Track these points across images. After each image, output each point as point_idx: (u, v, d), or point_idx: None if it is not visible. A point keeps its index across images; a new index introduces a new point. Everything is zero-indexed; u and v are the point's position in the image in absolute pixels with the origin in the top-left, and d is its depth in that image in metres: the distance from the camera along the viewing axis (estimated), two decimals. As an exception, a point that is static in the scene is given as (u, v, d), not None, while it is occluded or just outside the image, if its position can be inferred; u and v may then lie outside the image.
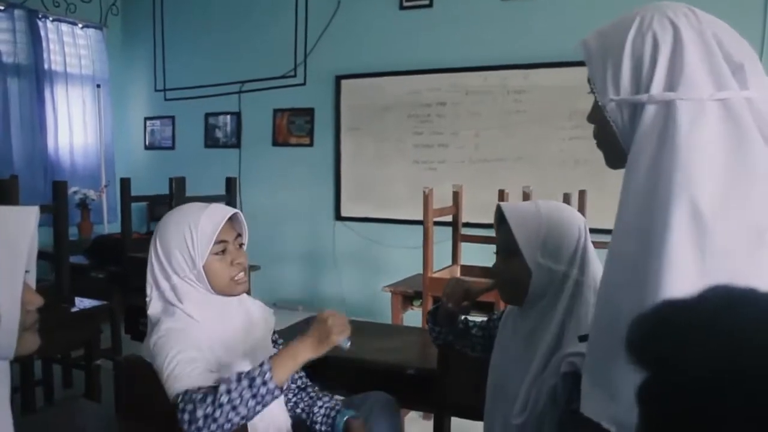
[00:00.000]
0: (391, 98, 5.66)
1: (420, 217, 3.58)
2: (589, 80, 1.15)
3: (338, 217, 5.99)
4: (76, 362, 3.64)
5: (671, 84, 1.03)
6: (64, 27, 6.18)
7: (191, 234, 1.70)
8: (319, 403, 1.94)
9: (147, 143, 6.88)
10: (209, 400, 1.47)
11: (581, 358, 1.48)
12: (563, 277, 1.58)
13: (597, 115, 1.16)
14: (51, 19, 6.05)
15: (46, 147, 5.95)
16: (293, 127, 6.15)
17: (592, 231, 4.18)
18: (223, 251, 1.74)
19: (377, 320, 4.79)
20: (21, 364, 3.38)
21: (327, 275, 6.06)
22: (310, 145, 6.09)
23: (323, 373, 2.44)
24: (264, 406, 1.49)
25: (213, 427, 1.45)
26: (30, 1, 5.83)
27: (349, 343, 1.62)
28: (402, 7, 5.58)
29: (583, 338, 1.25)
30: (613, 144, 1.13)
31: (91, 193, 5.23)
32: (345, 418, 1.87)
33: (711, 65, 1.03)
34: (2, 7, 5.67)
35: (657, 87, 1.04)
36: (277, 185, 6.21)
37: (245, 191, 6.20)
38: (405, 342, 2.52)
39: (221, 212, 1.74)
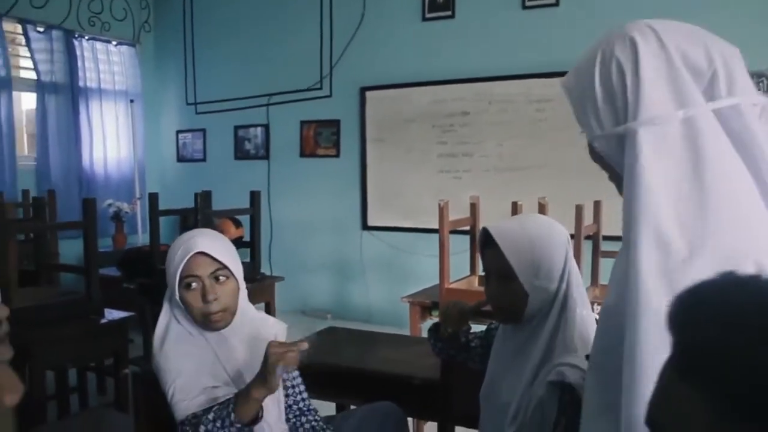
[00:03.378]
0: (416, 108, 5.73)
1: (454, 228, 3.63)
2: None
3: (365, 226, 6.08)
4: (109, 371, 3.79)
5: (635, 111, 1.00)
6: (99, 45, 6.40)
7: (170, 266, 1.76)
8: None
9: (179, 156, 7.07)
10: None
11: (569, 368, 1.54)
12: (555, 292, 1.63)
13: (592, 154, 1.14)
14: (87, 38, 6.27)
15: (81, 161, 6.17)
16: (320, 138, 6.26)
17: (608, 239, 4.15)
18: (190, 285, 1.74)
19: (401, 328, 4.86)
20: (56, 373, 3.54)
21: (354, 284, 6.15)
22: (337, 156, 6.19)
23: (334, 382, 2.54)
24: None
25: None
26: (67, 21, 6.06)
27: (282, 370, 1.54)
28: (425, 18, 5.66)
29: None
30: (618, 177, 1.09)
31: (125, 206, 5.42)
32: None
33: (673, 82, 1.00)
34: (41, 29, 5.90)
35: (631, 116, 1.01)
36: (305, 196, 6.32)
37: (274, 202, 6.34)
38: (415, 352, 2.58)
39: (187, 248, 1.75)
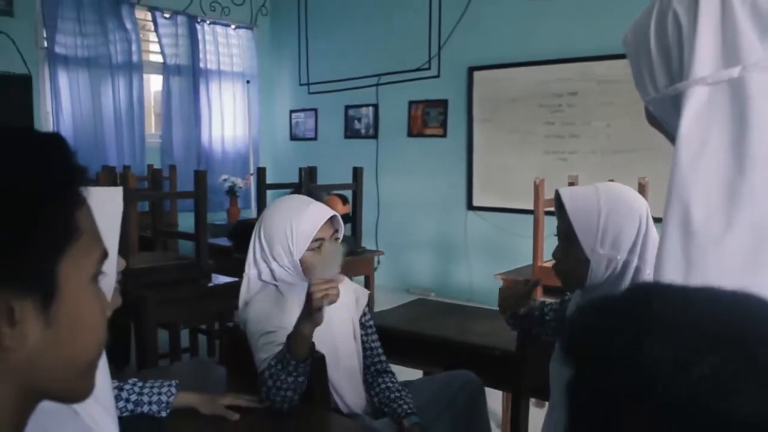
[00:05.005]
0: (523, 89, 5.68)
1: (550, 208, 3.62)
2: None
3: (470, 206, 6.10)
4: (218, 334, 4.05)
5: (688, 70, 0.89)
6: (219, 29, 6.77)
7: (291, 230, 1.91)
8: (391, 396, 2.06)
9: (292, 134, 7.35)
10: (266, 377, 1.73)
11: None
12: (624, 265, 1.57)
13: (649, 119, 1.05)
14: (208, 22, 6.65)
15: (200, 139, 6.59)
16: (427, 118, 6.32)
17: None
18: (319, 247, 1.93)
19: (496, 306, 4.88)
20: (170, 333, 3.83)
21: (458, 263, 6.20)
22: (444, 136, 6.23)
23: (419, 350, 2.62)
24: (301, 375, 1.71)
25: (278, 399, 1.72)
26: (191, 7, 6.44)
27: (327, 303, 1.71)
28: (533, -3, 5.58)
29: None
30: None
31: (239, 181, 5.72)
32: (412, 422, 1.98)
33: (732, 35, 0.86)
34: (168, 15, 6.31)
35: (684, 75, 0.90)
36: (411, 175, 6.41)
37: (381, 180, 6.48)
38: (501, 326, 2.60)
39: (320, 214, 1.94)
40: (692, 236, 0.85)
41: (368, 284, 4.33)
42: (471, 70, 5.95)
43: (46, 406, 0.69)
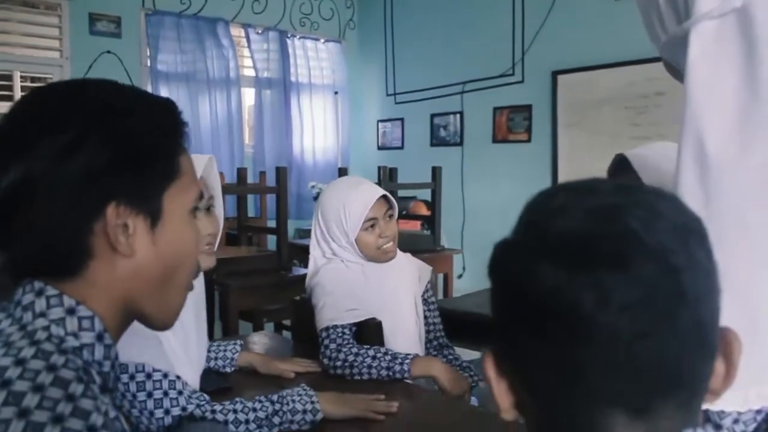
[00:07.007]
0: (607, 91, 5.61)
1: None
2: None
3: (556, 211, 6.04)
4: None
5: (693, 6, 0.88)
6: (309, 43, 7.04)
7: (344, 211, 1.99)
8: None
9: (379, 144, 7.51)
10: (354, 351, 1.82)
11: None
12: None
13: (667, 68, 1.07)
14: (298, 37, 6.94)
15: (291, 149, 6.84)
16: (512, 124, 6.33)
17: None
18: (372, 226, 2.01)
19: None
20: (254, 327, 4.01)
21: (543, 269, 6.13)
22: (528, 141, 6.21)
23: (482, 332, 2.66)
24: (391, 378, 1.80)
25: (347, 371, 1.82)
26: (281, 23, 6.76)
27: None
28: (617, -2, 5.52)
29: None
30: None
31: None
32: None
33: None
34: (260, 31, 6.63)
35: (690, 13, 0.88)
36: (496, 181, 6.41)
37: (467, 187, 6.52)
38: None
39: (370, 194, 2.01)
40: (707, 166, 0.86)
41: (447, 282, 4.39)
42: (555, 74, 5.93)
43: (136, 327, 0.82)
